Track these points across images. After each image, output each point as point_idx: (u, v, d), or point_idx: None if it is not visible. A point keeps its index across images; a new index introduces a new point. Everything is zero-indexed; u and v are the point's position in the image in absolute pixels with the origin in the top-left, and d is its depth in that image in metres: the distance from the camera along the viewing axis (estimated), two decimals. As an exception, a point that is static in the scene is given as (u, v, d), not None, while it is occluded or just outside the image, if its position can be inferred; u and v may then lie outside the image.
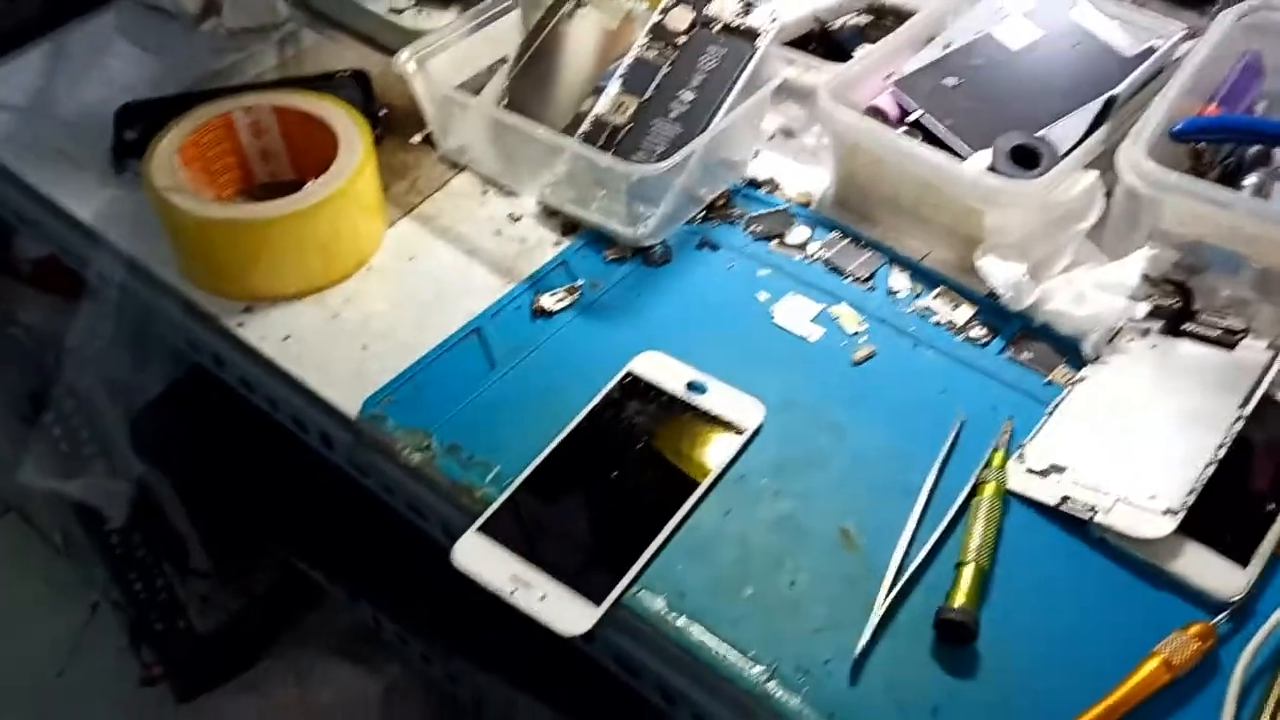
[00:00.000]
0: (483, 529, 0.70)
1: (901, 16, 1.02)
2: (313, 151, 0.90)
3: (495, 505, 0.71)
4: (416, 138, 0.99)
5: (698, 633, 0.66)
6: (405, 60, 0.92)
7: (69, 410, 1.16)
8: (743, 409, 0.77)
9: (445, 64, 0.96)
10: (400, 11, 1.07)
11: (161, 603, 1.35)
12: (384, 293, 0.87)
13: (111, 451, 1.18)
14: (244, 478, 1.25)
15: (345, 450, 0.81)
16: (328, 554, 1.23)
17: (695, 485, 0.72)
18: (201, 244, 0.85)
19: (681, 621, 0.66)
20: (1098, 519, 0.71)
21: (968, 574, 0.67)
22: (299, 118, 0.91)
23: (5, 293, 1.22)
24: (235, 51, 1.09)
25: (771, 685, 0.63)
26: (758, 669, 0.64)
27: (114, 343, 0.97)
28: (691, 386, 0.78)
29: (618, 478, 0.73)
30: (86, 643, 1.54)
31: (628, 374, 0.79)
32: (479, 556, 0.69)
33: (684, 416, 0.77)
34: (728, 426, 0.76)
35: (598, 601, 0.66)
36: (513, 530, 0.70)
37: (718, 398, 0.78)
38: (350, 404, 0.78)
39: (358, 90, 1.01)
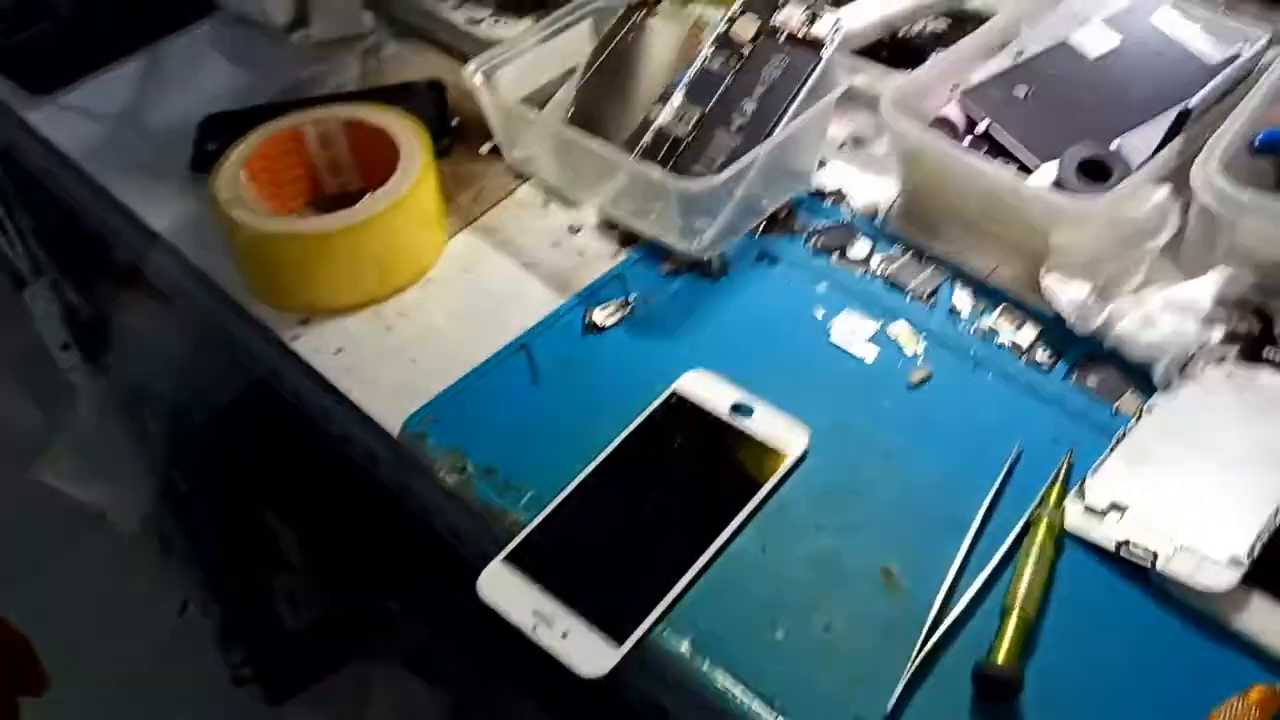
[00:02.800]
0: (509, 559, 0.64)
1: (983, 22, 0.91)
2: (380, 163, 0.83)
3: (523, 534, 0.65)
4: (485, 148, 0.92)
5: (722, 679, 0.58)
6: (473, 72, 0.86)
7: (104, 415, 1.12)
8: (788, 434, 0.68)
9: (514, 74, 0.89)
10: (478, 21, 1.00)
11: (253, 601, 1.31)
12: (440, 305, 0.81)
13: (141, 460, 1.13)
14: (313, 488, 1.19)
15: (387, 468, 0.76)
16: (385, 573, 1.17)
17: (732, 517, 0.64)
18: (258, 257, 0.80)
19: (706, 666, 0.59)
20: (1159, 566, 0.61)
21: (1012, 625, 0.58)
22: (366, 130, 0.85)
23: (104, 295, 1.18)
24: (320, 62, 1.04)
25: (796, 739, 0.56)
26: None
27: (184, 352, 0.92)
28: (737, 409, 0.70)
29: (653, 506, 0.66)
30: (175, 644, 1.48)
31: (672, 394, 0.71)
32: (503, 588, 0.62)
33: (726, 441, 0.69)
34: (771, 453, 0.68)
35: (620, 641, 0.59)
36: (539, 561, 0.63)
37: (763, 421, 0.69)
38: (393, 421, 0.72)
39: (432, 100, 0.95)
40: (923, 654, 0.58)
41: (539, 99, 0.91)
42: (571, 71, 0.91)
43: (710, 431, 0.69)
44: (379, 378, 0.76)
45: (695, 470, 0.68)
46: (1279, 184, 0.76)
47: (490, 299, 0.80)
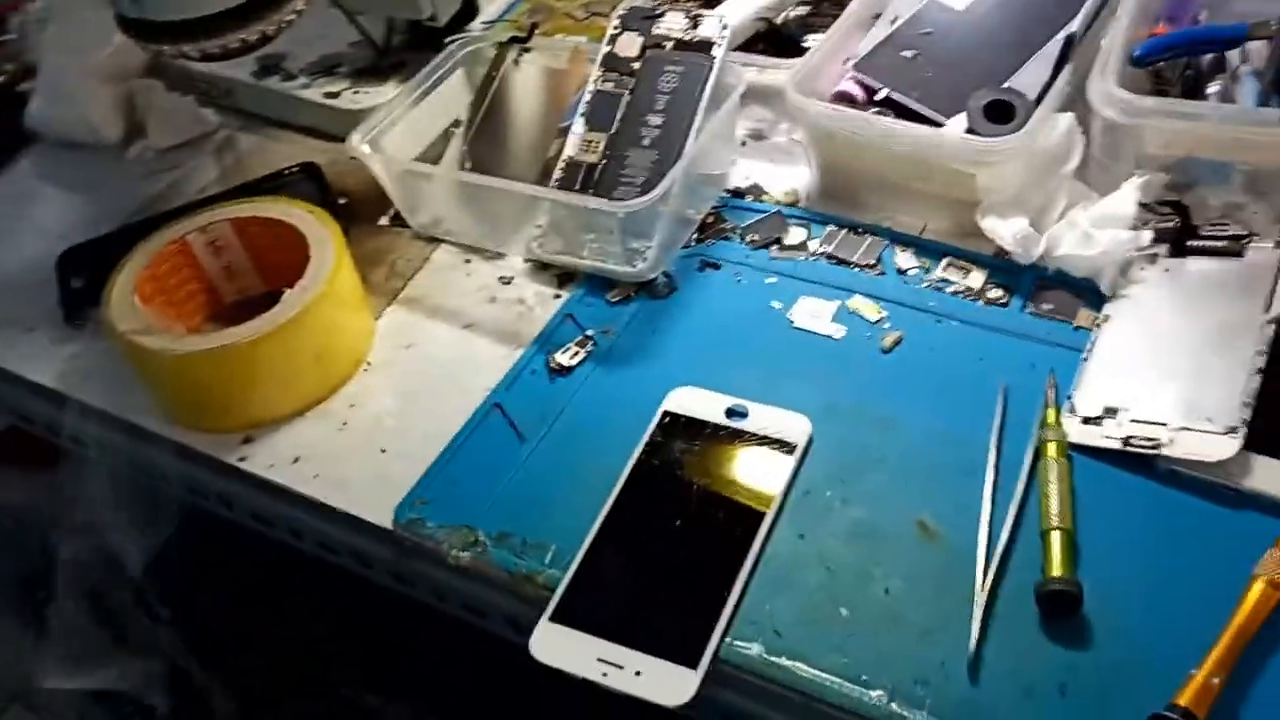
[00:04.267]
0: (555, 617, 0.69)
1: (839, 1, 1.03)
2: (281, 258, 0.88)
3: (561, 588, 0.70)
4: (384, 219, 0.98)
5: (804, 670, 0.65)
6: (358, 142, 0.91)
7: (74, 594, 1.10)
8: (789, 425, 0.77)
9: (398, 139, 0.95)
10: (336, 95, 1.06)
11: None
12: (389, 388, 0.86)
13: (129, 629, 1.12)
14: (266, 614, 1.20)
15: (386, 564, 0.79)
16: (380, 673, 1.19)
17: (762, 514, 0.72)
18: (185, 381, 0.83)
19: (785, 662, 0.66)
20: (1164, 452, 0.71)
21: (1056, 541, 0.68)
22: (259, 226, 0.89)
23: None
24: (170, 171, 1.07)
25: (895, 705, 0.63)
26: (876, 693, 0.64)
27: (106, 508, 0.93)
28: (731, 413, 0.78)
29: (682, 525, 0.73)
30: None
31: (665, 414, 0.78)
32: (559, 646, 0.68)
33: (733, 445, 0.77)
34: (779, 445, 0.76)
35: (694, 664, 0.65)
36: (587, 610, 0.69)
37: (761, 419, 0.77)
38: (382, 515, 0.76)
39: (311, 184, 1.00)
40: (986, 590, 0.67)
41: (430, 158, 0.97)
42: (456, 124, 0.98)
43: (713, 440, 0.77)
44: (350, 476, 0.80)
45: (711, 480, 0.75)
46: (1155, 90, 0.90)
47: (442, 368, 0.86)
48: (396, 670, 1.17)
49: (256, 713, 1.31)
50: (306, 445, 0.83)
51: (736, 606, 0.68)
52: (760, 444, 0.76)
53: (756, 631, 0.67)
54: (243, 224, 0.90)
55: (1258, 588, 0.64)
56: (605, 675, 0.66)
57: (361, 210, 0.99)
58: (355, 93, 1.06)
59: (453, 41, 1.00)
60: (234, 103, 1.11)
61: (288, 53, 1.09)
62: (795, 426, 0.77)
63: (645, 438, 0.77)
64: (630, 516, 0.73)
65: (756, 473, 0.75)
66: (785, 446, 0.76)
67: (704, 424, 0.78)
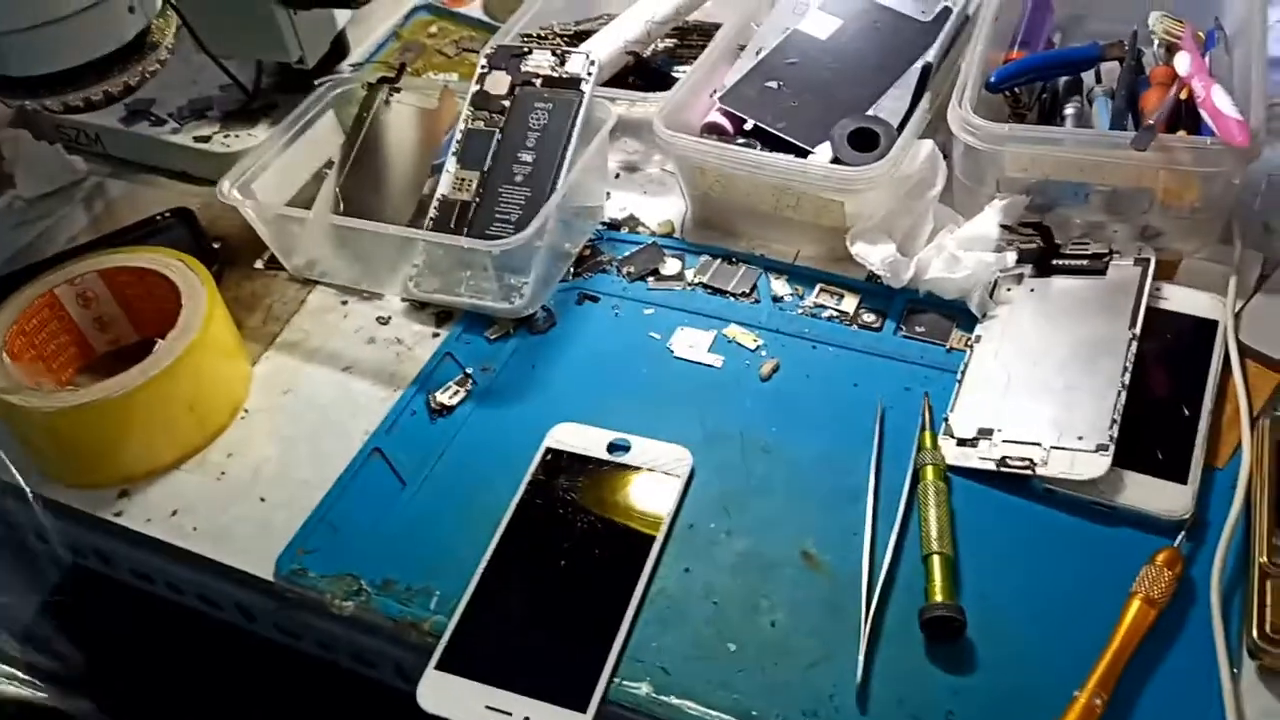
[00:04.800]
0: (441, 665, 0.63)
1: (705, 32, 0.99)
2: (153, 307, 0.81)
3: (447, 635, 0.64)
4: (259, 263, 0.91)
5: (694, 709, 0.61)
6: (229, 188, 0.85)
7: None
8: (670, 457, 0.72)
9: (270, 182, 0.88)
10: (207, 139, 0.99)
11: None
12: (268, 435, 0.79)
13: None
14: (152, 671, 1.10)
15: (268, 617, 0.73)
16: None
17: (648, 549, 0.67)
18: (57, 438, 0.76)
19: (674, 700, 0.61)
20: (1038, 471, 0.68)
21: (937, 565, 0.64)
22: (128, 275, 0.82)
23: None
24: (39, 220, 0.99)
25: (785, 738, 0.59)
26: (766, 726, 0.60)
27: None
28: (613, 447, 0.73)
29: (567, 564, 0.68)
30: None
31: (547, 450, 0.73)
32: (446, 695, 0.62)
33: (616, 480, 0.72)
34: (661, 478, 0.71)
35: (583, 708, 0.61)
36: (474, 657, 0.64)
37: (643, 452, 0.73)
38: (263, 566, 0.70)
39: (184, 229, 0.92)
40: (870, 618, 0.63)
41: (303, 199, 0.91)
42: (329, 165, 0.92)
43: (596, 475, 0.72)
44: (230, 528, 0.73)
45: (596, 517, 0.70)
46: (1013, 114, 0.88)
47: (321, 413, 0.80)
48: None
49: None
50: (184, 497, 0.76)
51: (625, 645, 0.63)
52: (642, 477, 0.72)
53: (644, 670, 0.63)
54: (111, 274, 0.83)
55: (1135, 605, 0.61)
56: None
57: (237, 254, 0.92)
58: (226, 136, 0.99)
59: (323, 83, 0.94)
60: (103, 149, 1.03)
61: (156, 98, 1.02)
62: (677, 458, 0.72)
63: (528, 476, 0.72)
64: (515, 557, 0.68)
65: (640, 507, 0.70)
66: (668, 479, 0.71)
67: (587, 460, 0.73)
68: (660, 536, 0.68)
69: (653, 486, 0.71)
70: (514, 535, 0.69)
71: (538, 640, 0.65)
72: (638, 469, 0.72)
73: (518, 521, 0.70)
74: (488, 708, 0.61)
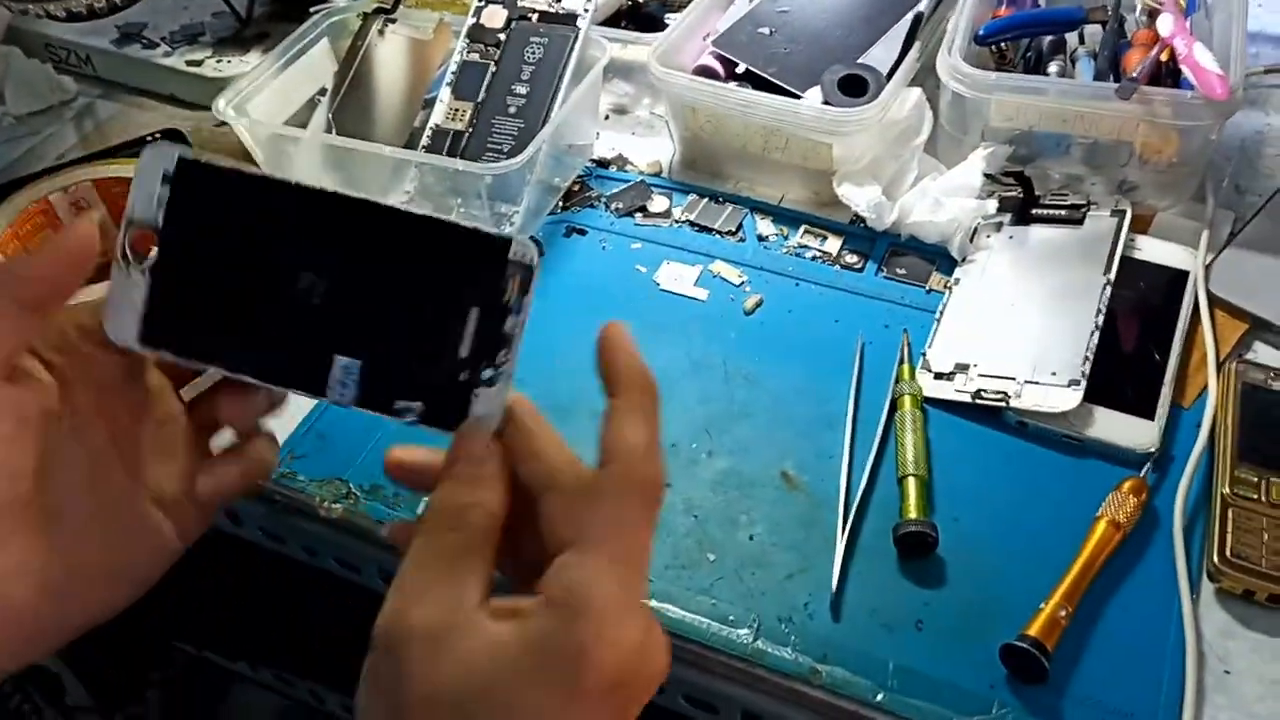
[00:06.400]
0: None
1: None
2: (145, 220, 0.82)
3: None
4: (249, 186, 0.92)
5: (673, 611, 0.62)
6: (224, 107, 0.85)
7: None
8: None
9: (264, 105, 0.89)
10: (199, 63, 0.99)
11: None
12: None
13: None
14: None
15: (255, 521, 0.74)
16: (241, 640, 1.12)
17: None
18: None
19: (654, 604, 0.63)
20: (1012, 404, 0.71)
21: (912, 486, 0.66)
22: (123, 187, 0.82)
23: None
24: (28, 137, 0.99)
25: (760, 643, 0.61)
26: (743, 631, 0.61)
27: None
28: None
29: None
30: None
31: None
32: None
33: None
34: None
35: None
36: None
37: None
38: (254, 470, 0.71)
39: (174, 151, 0.93)
40: (846, 533, 0.65)
41: (295, 126, 0.91)
42: (322, 93, 0.92)
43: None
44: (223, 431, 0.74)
45: None
46: (998, 68, 0.90)
47: (309, 330, 0.80)
48: (260, 632, 1.10)
49: (112, 696, 1.23)
50: (174, 404, 0.76)
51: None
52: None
53: (625, 580, 0.64)
54: (106, 185, 0.83)
55: (1101, 527, 0.64)
56: None
57: (226, 178, 0.92)
58: (218, 61, 0.99)
59: (317, 11, 0.95)
60: (94, 71, 1.03)
61: (148, 22, 1.02)
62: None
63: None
64: None
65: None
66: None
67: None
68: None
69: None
70: None
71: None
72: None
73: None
74: None
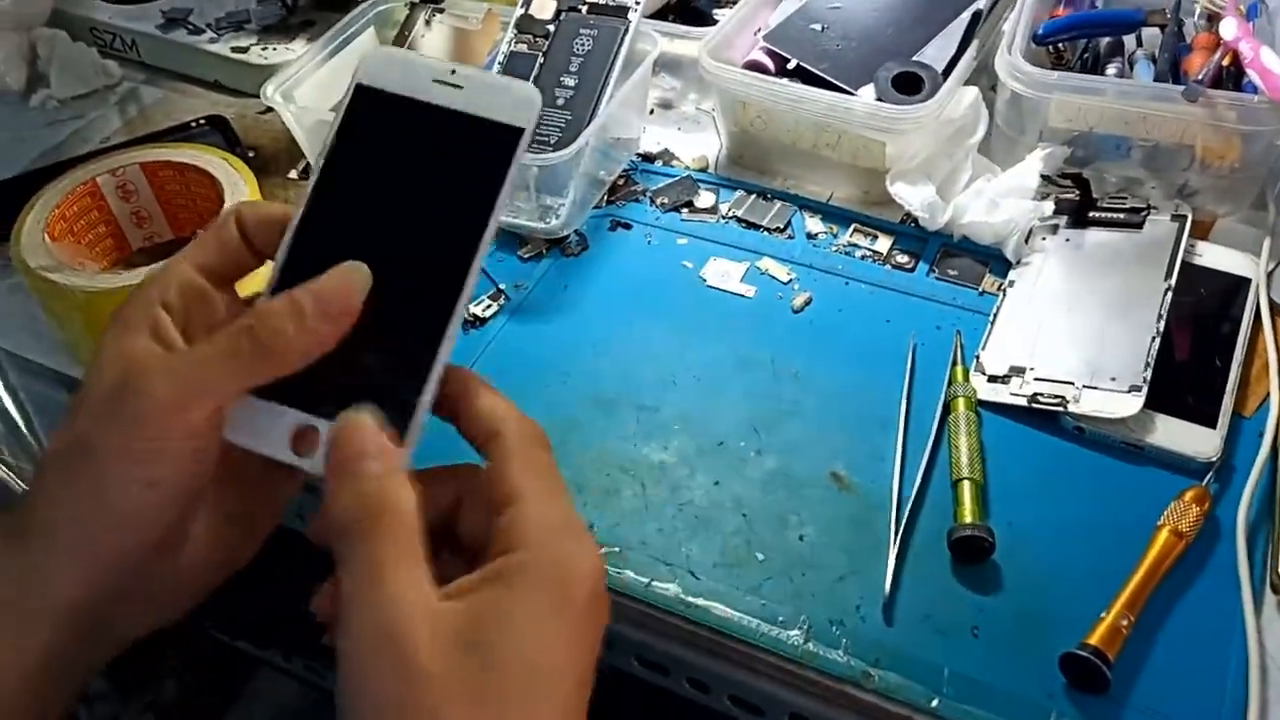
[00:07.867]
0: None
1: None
2: (192, 205, 0.82)
3: None
4: (293, 173, 0.91)
5: (721, 610, 0.61)
6: (272, 93, 0.85)
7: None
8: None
9: (310, 92, 0.88)
10: (244, 50, 0.99)
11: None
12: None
13: None
14: None
15: (294, 505, 0.73)
16: (272, 628, 1.12)
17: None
18: (95, 319, 0.75)
19: (702, 602, 0.62)
20: (1070, 409, 0.69)
21: (967, 490, 0.65)
22: (171, 171, 0.82)
23: None
24: (74, 120, 0.99)
25: (812, 646, 0.59)
26: (794, 632, 0.60)
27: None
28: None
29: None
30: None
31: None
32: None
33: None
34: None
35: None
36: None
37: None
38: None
39: (219, 136, 0.93)
40: (899, 536, 0.63)
41: (340, 114, 0.91)
42: (368, 82, 0.92)
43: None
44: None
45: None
46: (1055, 69, 0.89)
47: (352, 318, 0.80)
48: (292, 621, 1.10)
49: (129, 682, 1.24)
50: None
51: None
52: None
53: (673, 573, 0.63)
54: (153, 168, 0.83)
55: (1163, 536, 0.62)
56: None
57: (270, 164, 0.92)
58: (263, 49, 0.99)
59: (364, 0, 0.94)
60: (139, 56, 1.03)
61: (194, 7, 1.02)
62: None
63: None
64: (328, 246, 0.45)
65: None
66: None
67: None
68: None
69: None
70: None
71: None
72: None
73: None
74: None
